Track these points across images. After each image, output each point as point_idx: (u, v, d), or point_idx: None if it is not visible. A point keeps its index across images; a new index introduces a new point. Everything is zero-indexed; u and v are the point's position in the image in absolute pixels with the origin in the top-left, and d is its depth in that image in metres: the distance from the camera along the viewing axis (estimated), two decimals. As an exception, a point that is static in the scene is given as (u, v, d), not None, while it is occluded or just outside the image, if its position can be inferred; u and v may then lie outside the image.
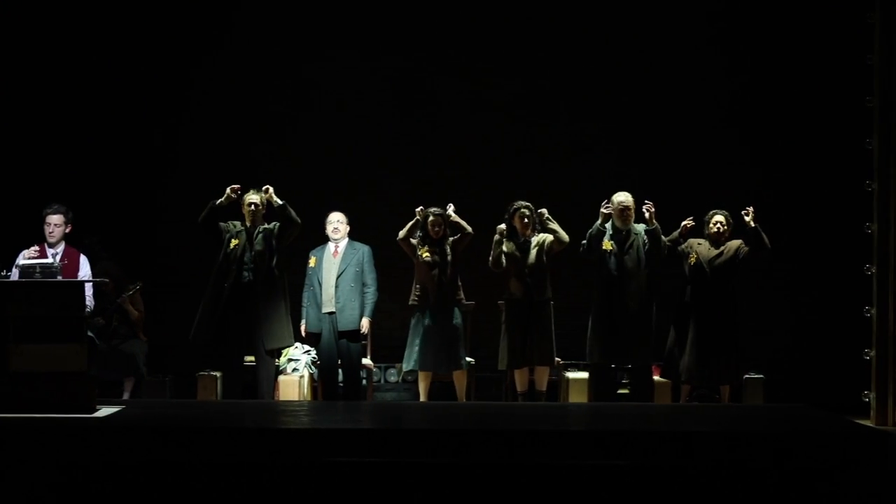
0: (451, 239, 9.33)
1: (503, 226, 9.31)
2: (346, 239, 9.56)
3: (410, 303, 9.37)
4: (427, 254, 9.30)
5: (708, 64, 10.75)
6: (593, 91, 10.80)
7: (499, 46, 10.85)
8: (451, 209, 9.40)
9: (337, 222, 9.55)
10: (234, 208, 9.31)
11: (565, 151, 10.74)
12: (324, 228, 9.58)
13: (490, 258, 9.31)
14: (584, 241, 9.23)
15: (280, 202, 9.17)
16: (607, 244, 9.22)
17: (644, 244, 9.17)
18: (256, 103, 10.81)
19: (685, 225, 9.25)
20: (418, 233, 9.31)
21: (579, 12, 10.80)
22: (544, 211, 9.34)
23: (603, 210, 9.21)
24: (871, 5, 9.02)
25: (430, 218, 9.27)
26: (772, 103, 10.68)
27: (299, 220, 9.21)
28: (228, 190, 9.11)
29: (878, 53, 8.95)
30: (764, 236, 9.04)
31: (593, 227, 9.20)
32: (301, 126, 10.83)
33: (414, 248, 9.32)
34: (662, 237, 9.17)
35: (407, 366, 9.44)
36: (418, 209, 9.29)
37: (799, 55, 10.64)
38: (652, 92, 10.76)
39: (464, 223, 9.32)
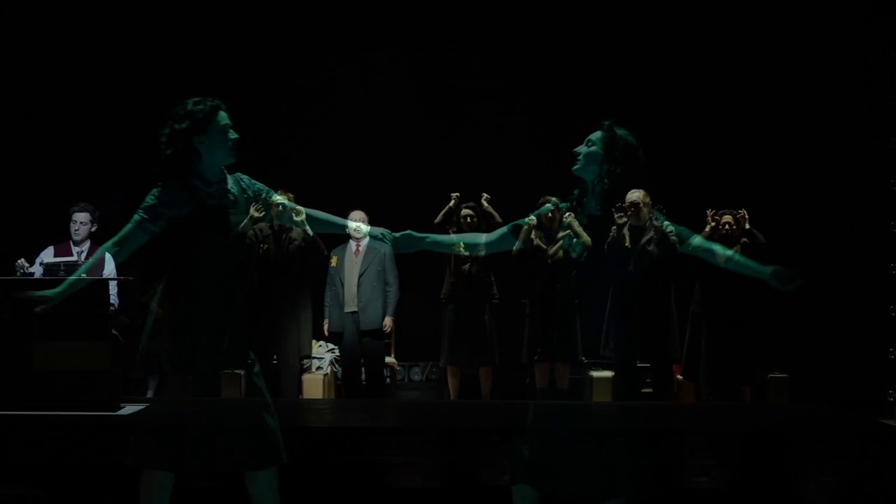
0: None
1: (533, 218, 9.17)
2: (368, 238, 9.56)
3: (442, 297, 9.34)
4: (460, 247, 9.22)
5: (732, 64, 10.72)
6: (616, 91, 10.78)
7: (524, 43, 10.87)
8: (484, 199, 9.36)
9: (358, 221, 9.52)
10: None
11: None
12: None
13: (514, 249, 9.19)
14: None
15: (311, 233, 8.79)
16: (627, 242, 9.13)
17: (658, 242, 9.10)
18: (278, 101, 10.84)
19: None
20: (452, 228, 9.25)
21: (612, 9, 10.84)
22: (571, 217, 9.18)
23: (617, 219, 9.07)
24: (894, 3, 8.99)
25: (464, 210, 9.26)
26: (795, 102, 10.63)
27: (325, 251, 9.24)
28: (252, 210, 8.96)
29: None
30: (756, 233, 9.01)
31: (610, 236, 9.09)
32: (322, 124, 10.85)
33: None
34: (671, 236, 9.05)
35: (442, 361, 9.46)
36: (454, 194, 9.27)
37: (823, 53, 10.59)
38: (673, 92, 10.75)
39: (496, 214, 9.28)
